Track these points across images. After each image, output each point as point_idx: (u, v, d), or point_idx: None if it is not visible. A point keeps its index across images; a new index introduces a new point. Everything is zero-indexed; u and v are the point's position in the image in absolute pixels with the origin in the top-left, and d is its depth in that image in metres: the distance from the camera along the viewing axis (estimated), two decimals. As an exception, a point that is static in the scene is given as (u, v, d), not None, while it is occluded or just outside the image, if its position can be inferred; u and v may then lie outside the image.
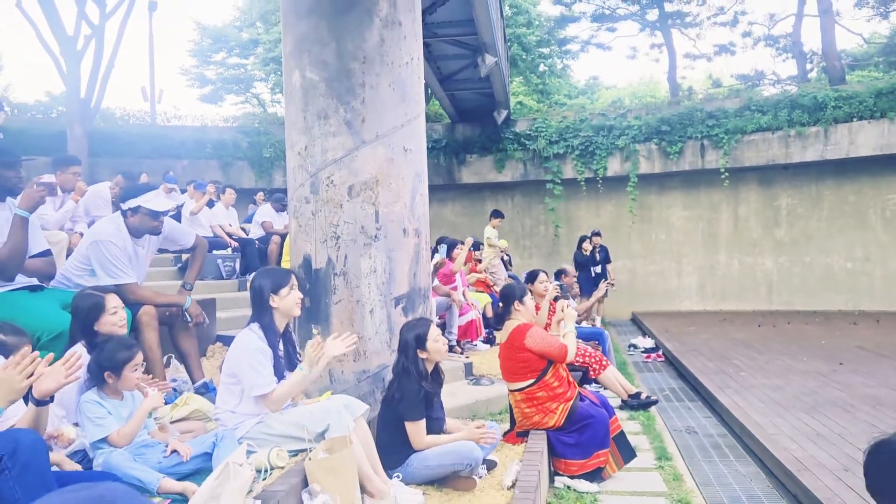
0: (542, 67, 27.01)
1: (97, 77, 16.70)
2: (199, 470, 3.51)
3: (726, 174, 16.93)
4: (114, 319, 3.83)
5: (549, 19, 26.99)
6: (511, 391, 5.37)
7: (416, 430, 4.24)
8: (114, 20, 16.98)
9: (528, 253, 19.20)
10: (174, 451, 3.51)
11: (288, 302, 3.97)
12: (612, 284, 12.59)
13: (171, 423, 4.06)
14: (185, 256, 8.97)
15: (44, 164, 8.57)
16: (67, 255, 5.53)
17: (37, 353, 2.59)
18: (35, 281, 4.47)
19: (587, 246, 13.68)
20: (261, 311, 3.97)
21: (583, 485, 4.94)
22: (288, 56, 5.17)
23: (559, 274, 10.55)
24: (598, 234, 14.07)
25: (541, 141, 18.24)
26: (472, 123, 18.81)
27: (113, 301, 3.88)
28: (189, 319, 5.01)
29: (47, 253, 4.65)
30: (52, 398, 2.84)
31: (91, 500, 1.08)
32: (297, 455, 3.79)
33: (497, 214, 13.30)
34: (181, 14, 61.79)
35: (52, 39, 16.27)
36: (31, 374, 2.53)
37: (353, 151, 4.90)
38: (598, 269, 13.70)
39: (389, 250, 4.97)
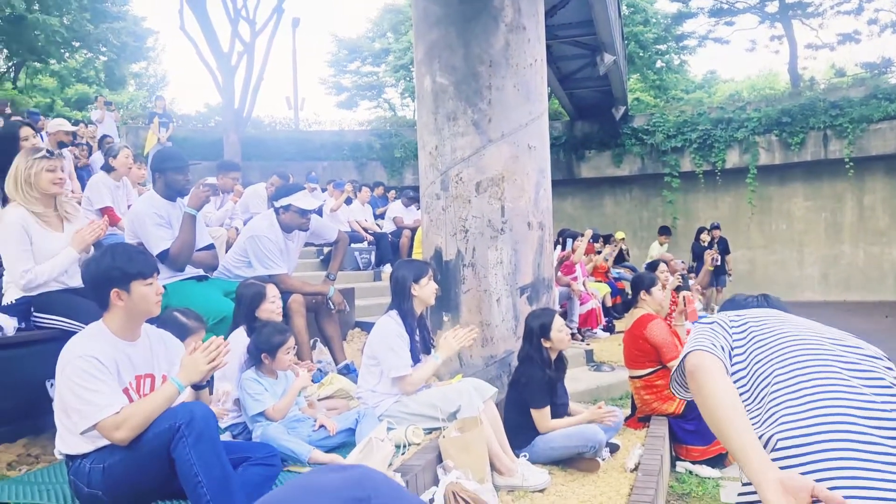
0: (658, 64, 26.18)
1: (249, 89, 17.56)
2: (344, 444, 3.64)
3: (851, 164, 15.82)
4: (272, 307, 4.03)
5: (665, 16, 26.09)
6: (631, 378, 5.26)
7: (540, 416, 4.22)
8: (263, 37, 17.80)
9: (646, 244, 18.67)
10: (322, 426, 3.66)
11: (426, 291, 4.07)
12: (716, 259, 12.03)
13: (319, 400, 4.24)
14: (326, 249, 9.33)
15: (205, 168, 9.12)
16: (226, 249, 5.87)
17: (220, 339, 2.76)
18: (201, 272, 4.78)
19: (705, 237, 13.15)
20: (401, 299, 4.08)
21: (705, 470, 4.77)
22: (419, 62, 5.25)
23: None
24: (717, 227, 13.49)
25: (658, 135, 17.70)
26: (591, 120, 18.47)
27: (272, 291, 4.08)
28: (333, 307, 5.20)
29: (211, 247, 4.95)
30: (207, 383, 3.00)
31: (350, 480, 1.13)
32: (431, 433, 3.87)
33: (664, 231, 13.11)
34: (320, 28, 64.01)
35: (210, 56, 17.26)
36: (214, 360, 2.69)
37: (481, 150, 4.92)
38: (717, 260, 13.12)
39: (515, 242, 4.97)
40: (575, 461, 4.23)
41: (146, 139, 13.67)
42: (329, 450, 3.51)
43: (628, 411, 5.41)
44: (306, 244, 5.96)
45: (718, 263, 12.24)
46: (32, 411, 3.66)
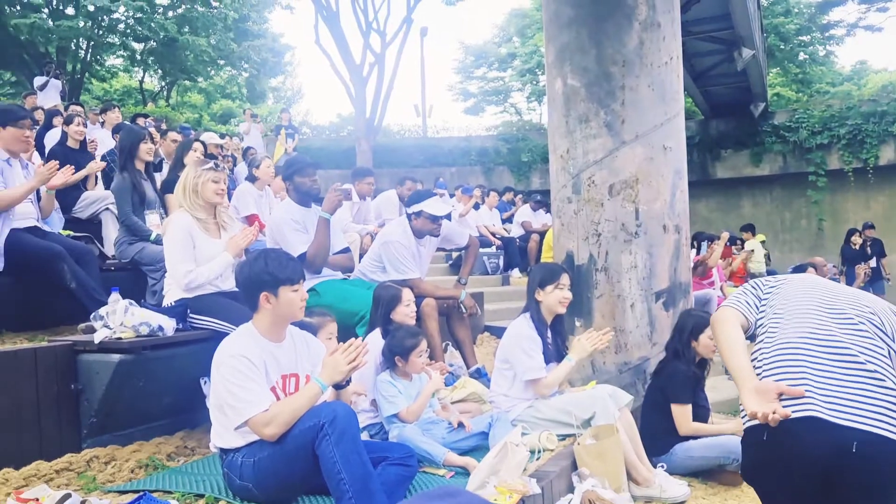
0: (801, 56, 24.67)
1: (379, 98, 18.10)
2: (477, 447, 3.66)
3: None
4: (407, 311, 4.12)
5: (809, 6, 24.57)
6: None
7: (682, 413, 4.09)
8: (392, 47, 18.29)
9: (789, 248, 17.64)
10: (461, 424, 3.70)
11: (551, 298, 4.02)
12: (868, 273, 11.12)
13: (452, 403, 4.29)
14: (455, 254, 9.44)
15: (339, 175, 9.48)
16: (360, 254, 6.06)
17: (359, 340, 2.86)
18: (339, 274, 4.96)
19: (857, 239, 12.21)
20: (530, 302, 4.06)
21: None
22: (550, 65, 5.22)
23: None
24: (870, 226, 12.50)
25: (802, 132, 16.69)
26: (726, 118, 17.68)
27: (408, 294, 4.18)
28: (464, 311, 5.25)
29: (346, 250, 5.13)
30: (348, 381, 3.10)
31: None
32: (565, 439, 3.83)
33: (749, 229, 12.44)
34: (448, 36, 65.02)
35: (343, 68, 17.93)
36: (354, 361, 2.79)
37: (614, 152, 4.83)
38: (873, 263, 12.17)
39: (650, 246, 4.84)
40: (716, 473, 4.06)
41: (275, 150, 14.38)
42: (463, 453, 3.54)
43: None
44: (437, 249, 6.05)
45: (870, 275, 11.39)
46: (188, 406, 3.92)
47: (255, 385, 2.74)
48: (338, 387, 3.11)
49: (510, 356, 3.96)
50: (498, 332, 7.23)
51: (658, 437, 4.10)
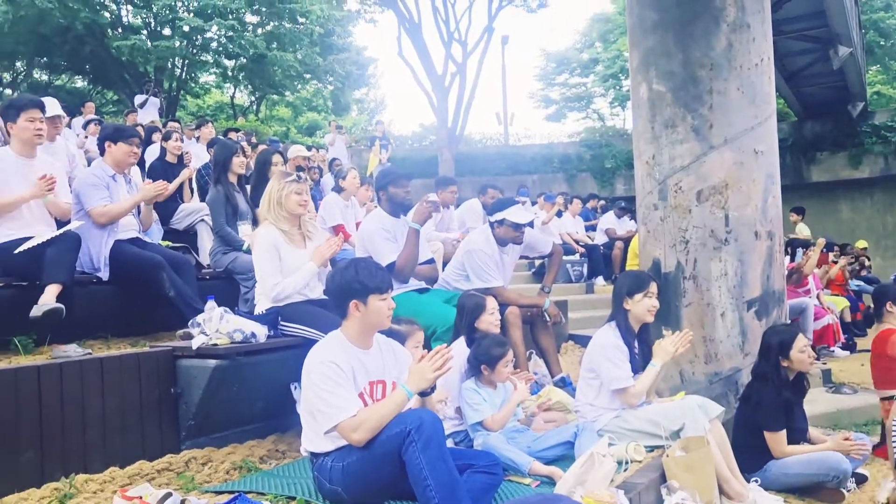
0: (903, 52, 23.41)
1: (461, 107, 18.24)
2: (562, 457, 3.63)
3: None
4: (491, 319, 4.13)
5: (912, -2, 23.30)
6: (881, 399, 4.73)
7: (775, 440, 3.93)
8: (474, 57, 18.44)
9: (892, 254, 16.74)
10: (540, 436, 3.69)
11: (640, 307, 3.95)
12: None
13: (536, 412, 4.27)
14: (537, 262, 9.39)
15: (421, 185, 9.58)
16: (443, 263, 6.10)
17: (444, 347, 2.90)
18: (423, 284, 5.02)
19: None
20: (617, 311, 4.01)
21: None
22: (634, 71, 5.14)
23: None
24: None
25: (905, 132, 15.82)
26: (822, 119, 16.96)
27: (492, 303, 4.19)
28: (548, 319, 5.22)
29: (431, 261, 5.19)
30: (433, 389, 3.12)
31: None
32: (652, 451, 3.75)
33: (799, 211, 11.81)
34: (529, 44, 64.90)
35: (425, 79, 18.16)
36: (439, 368, 2.83)
37: (701, 157, 4.71)
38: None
39: (740, 253, 4.69)
40: (814, 491, 3.89)
41: (369, 161, 14.67)
42: (548, 462, 3.52)
43: (877, 438, 4.86)
44: (520, 257, 6.04)
45: None
46: (280, 411, 4.05)
47: (344, 391, 2.81)
48: (423, 394, 3.15)
49: (596, 365, 3.92)
50: (582, 341, 7.14)
51: (750, 453, 3.96)
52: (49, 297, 3.87)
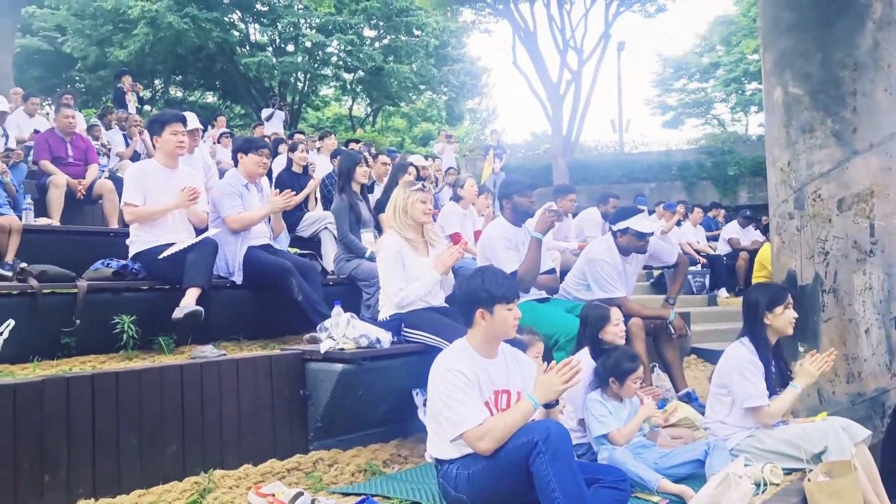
0: None
1: (576, 115, 18.03)
2: (692, 475, 3.48)
3: None
4: (616, 330, 4.03)
5: None
6: None
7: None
8: (589, 64, 18.19)
9: None
10: (667, 453, 3.56)
11: (782, 320, 3.75)
12: None
13: (662, 428, 4.12)
14: (656, 272, 9.12)
15: (537, 193, 9.49)
16: (560, 272, 6.01)
17: (575, 360, 2.85)
18: (544, 293, 4.97)
19: None
20: (753, 326, 3.81)
21: None
22: (768, 74, 4.90)
23: None
24: None
25: None
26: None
27: (616, 314, 4.09)
28: (673, 331, 5.05)
29: (552, 270, 5.13)
30: (557, 401, 3.06)
31: None
32: (790, 474, 3.53)
33: None
34: (645, 49, 63.50)
35: (539, 87, 18.08)
36: (569, 380, 2.78)
37: (843, 163, 4.43)
38: None
39: (888, 266, 4.37)
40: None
41: (483, 170, 14.73)
42: (676, 480, 3.38)
43: None
44: (644, 267, 5.88)
45: None
46: (402, 416, 4.11)
47: (470, 399, 2.81)
48: (548, 405, 3.11)
49: (728, 381, 3.74)
50: (706, 355, 6.87)
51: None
52: (189, 300, 4.11)
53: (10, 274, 4.65)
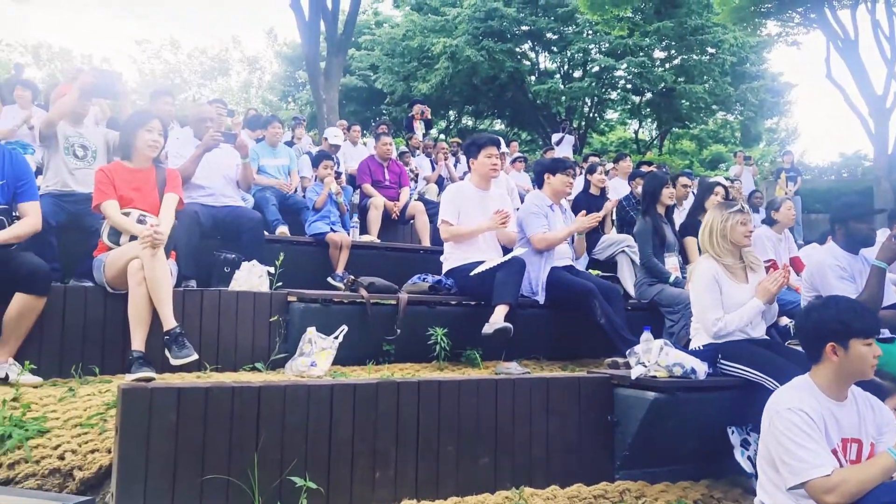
0: None
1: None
2: None
3: None
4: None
5: None
6: None
7: None
8: None
9: None
10: None
11: None
12: None
13: None
14: None
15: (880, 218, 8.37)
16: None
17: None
18: (887, 332, 4.33)
19: None
20: None
21: None
22: None
23: None
24: None
25: None
26: None
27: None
28: None
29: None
30: None
31: None
32: None
33: None
34: None
35: (860, 101, 16.18)
36: None
37: None
38: None
39: None
40: None
41: (775, 193, 13.54)
42: None
43: None
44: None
45: None
46: (713, 454, 3.81)
47: (816, 445, 2.49)
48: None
49: None
50: None
51: None
52: (498, 317, 4.23)
53: (341, 284, 5.20)
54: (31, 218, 3.68)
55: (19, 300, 3.40)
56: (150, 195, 4.00)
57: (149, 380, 3.24)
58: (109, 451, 2.73)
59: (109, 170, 3.97)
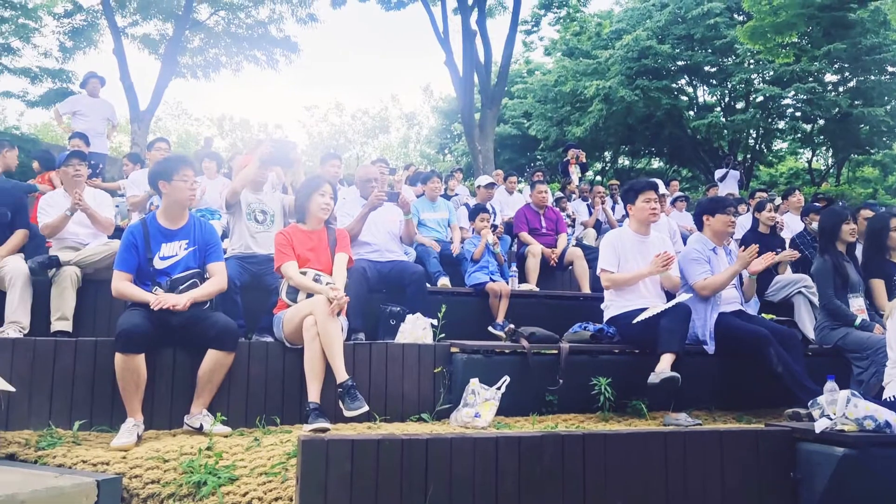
0: None
1: None
2: None
3: None
4: None
5: None
6: None
7: None
8: None
9: None
10: None
11: None
12: None
13: None
14: None
15: None
16: None
17: None
18: None
19: None
20: None
21: None
22: None
23: None
24: None
25: None
26: None
27: None
28: None
29: None
30: None
31: None
32: None
33: None
34: None
35: None
36: None
37: None
38: None
39: None
40: None
41: None
42: None
43: None
44: None
45: None
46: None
47: None
48: None
49: None
50: None
51: None
52: (665, 366, 4.10)
53: (501, 333, 5.25)
54: (218, 277, 4.05)
55: (212, 356, 3.73)
56: (323, 255, 4.28)
57: (324, 430, 3.43)
58: (291, 500, 2.89)
59: (288, 233, 4.30)
